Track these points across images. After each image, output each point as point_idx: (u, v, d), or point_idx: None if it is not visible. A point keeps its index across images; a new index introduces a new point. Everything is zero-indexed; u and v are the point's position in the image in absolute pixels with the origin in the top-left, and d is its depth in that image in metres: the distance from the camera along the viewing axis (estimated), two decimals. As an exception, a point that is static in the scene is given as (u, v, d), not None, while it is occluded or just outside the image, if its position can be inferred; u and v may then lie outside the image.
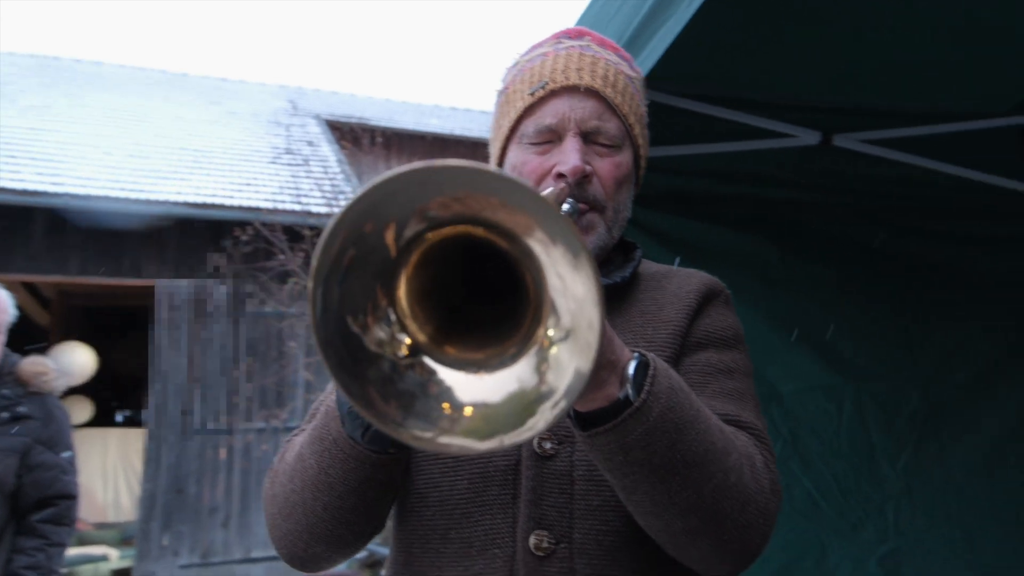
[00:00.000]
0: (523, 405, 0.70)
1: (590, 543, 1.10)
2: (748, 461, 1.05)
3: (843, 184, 2.90)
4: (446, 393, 0.74)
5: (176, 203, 9.80)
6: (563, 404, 0.68)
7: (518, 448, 1.14)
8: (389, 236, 0.71)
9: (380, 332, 0.75)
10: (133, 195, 9.59)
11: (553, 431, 1.14)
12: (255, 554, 9.77)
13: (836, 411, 2.55)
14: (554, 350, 0.70)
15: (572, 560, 1.09)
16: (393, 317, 0.77)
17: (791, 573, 2.36)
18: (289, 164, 11.75)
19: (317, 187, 10.74)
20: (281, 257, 9.47)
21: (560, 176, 1.17)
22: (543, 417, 0.68)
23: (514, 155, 1.24)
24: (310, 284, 0.71)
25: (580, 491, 1.12)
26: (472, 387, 0.74)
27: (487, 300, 0.84)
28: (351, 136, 11.60)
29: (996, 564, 2.60)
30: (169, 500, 9.50)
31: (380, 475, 1.04)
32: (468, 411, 0.73)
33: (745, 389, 1.22)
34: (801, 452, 2.45)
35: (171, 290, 9.96)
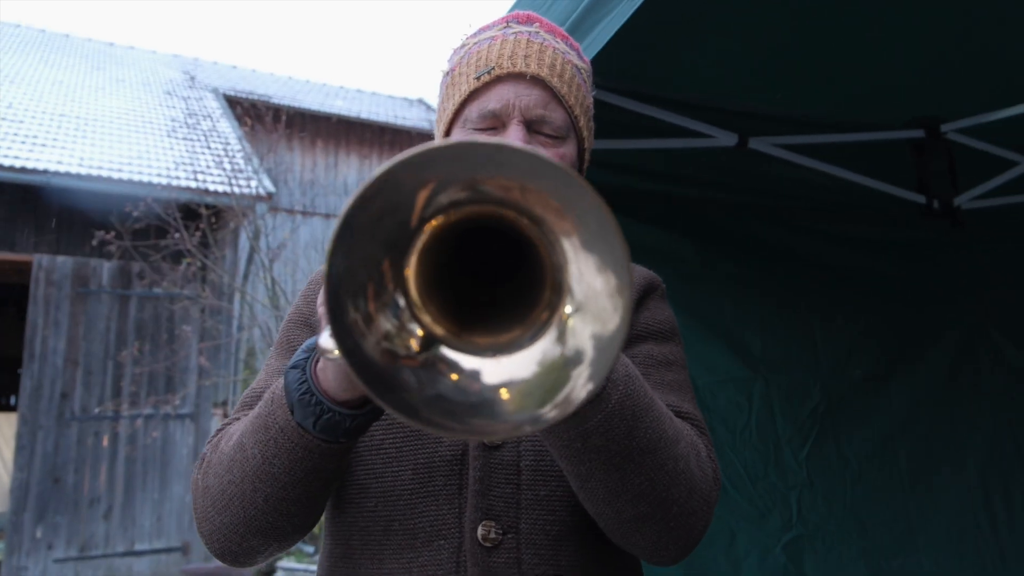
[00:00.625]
0: (554, 374, 0.69)
1: (537, 533, 1.10)
2: (694, 450, 1.08)
3: (757, 185, 3.02)
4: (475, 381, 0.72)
5: (56, 173, 9.14)
6: (602, 362, 0.66)
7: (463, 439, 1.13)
8: (423, 196, 0.67)
9: (386, 322, 0.71)
10: (7, 162, 8.88)
11: None
12: (139, 547, 9.30)
13: (746, 403, 2.66)
14: (572, 322, 0.69)
15: (519, 551, 1.09)
16: (402, 303, 0.73)
17: (702, 559, 2.45)
18: (185, 139, 11.18)
19: (216, 164, 10.27)
20: (176, 236, 9.01)
21: None
22: (579, 381, 0.67)
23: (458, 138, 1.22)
24: (329, 247, 0.66)
25: (527, 481, 1.12)
26: (496, 370, 0.72)
27: (490, 282, 0.82)
28: (253, 113, 11.13)
29: (885, 549, 2.80)
30: (44, 490, 8.90)
31: (328, 465, 0.99)
32: (503, 393, 0.71)
33: (683, 381, 1.26)
34: (713, 442, 2.55)
35: (49, 266, 9.30)
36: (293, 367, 0.96)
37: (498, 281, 0.82)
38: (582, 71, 1.26)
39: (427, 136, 15.88)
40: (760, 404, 2.68)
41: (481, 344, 0.74)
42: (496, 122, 1.18)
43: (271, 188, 10.53)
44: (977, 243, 3.25)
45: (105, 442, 9.29)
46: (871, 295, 3.11)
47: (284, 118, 11.60)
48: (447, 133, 1.25)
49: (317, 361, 0.95)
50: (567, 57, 1.23)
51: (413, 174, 0.64)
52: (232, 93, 13.82)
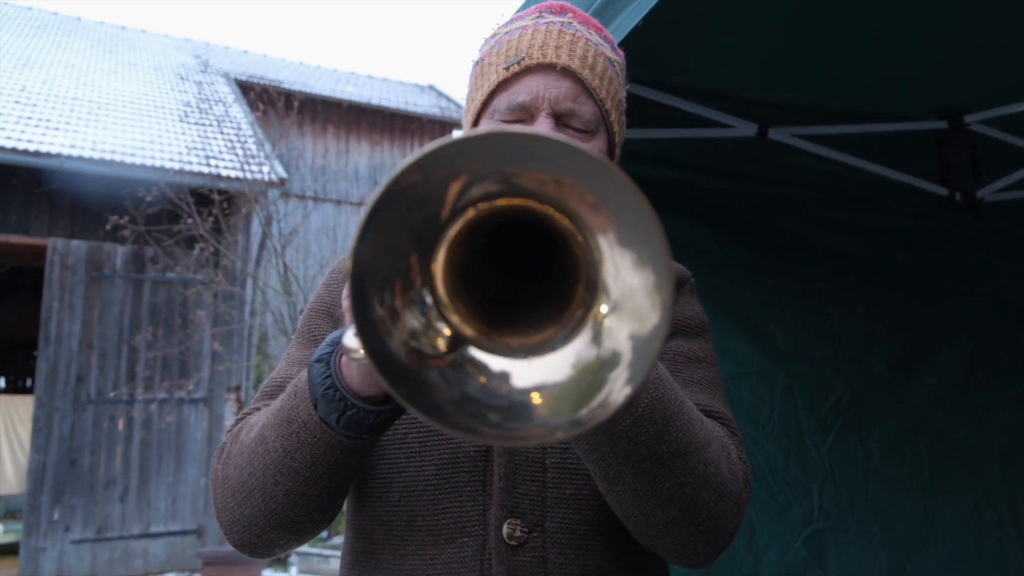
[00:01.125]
0: (590, 376, 0.66)
1: (563, 532, 1.08)
2: (724, 452, 1.06)
3: (777, 176, 2.99)
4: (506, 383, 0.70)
5: (68, 157, 9.17)
6: (642, 363, 0.63)
7: None
8: (454, 188, 0.65)
9: (413, 320, 0.68)
10: (20, 145, 8.90)
11: None
12: (154, 529, 9.40)
13: (768, 396, 2.65)
14: (608, 322, 0.66)
15: (545, 550, 1.07)
16: (429, 300, 0.70)
17: (723, 553, 2.44)
18: (198, 123, 11.19)
19: (228, 149, 10.28)
20: (188, 221, 9.04)
21: None
22: (616, 384, 0.64)
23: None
24: (356, 234, 0.63)
25: (553, 479, 1.10)
26: (528, 372, 0.69)
27: (520, 280, 0.79)
28: (265, 98, 11.12)
29: (906, 543, 2.79)
30: (60, 472, 9.00)
31: (351, 461, 0.98)
32: (535, 397, 0.68)
33: (713, 378, 1.23)
34: (736, 435, 2.54)
35: (64, 250, 9.35)
36: (318, 361, 0.95)
37: (529, 279, 0.80)
38: (615, 64, 1.22)
39: (438, 123, 15.83)
40: (783, 396, 2.66)
41: (512, 345, 0.72)
42: (525, 114, 1.15)
43: (283, 174, 10.54)
44: (999, 236, 3.22)
45: (120, 425, 9.37)
46: (892, 288, 3.09)
47: (296, 104, 11.59)
48: (475, 123, 1.22)
49: (341, 356, 0.94)
50: (600, 49, 1.19)
51: (446, 164, 0.62)
52: (244, 78, 13.81)
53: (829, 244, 3.06)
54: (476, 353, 0.71)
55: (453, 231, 0.69)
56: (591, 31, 1.22)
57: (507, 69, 1.15)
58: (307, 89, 14.03)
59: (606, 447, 0.93)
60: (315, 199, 13.01)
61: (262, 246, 10.70)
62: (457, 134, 0.62)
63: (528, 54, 1.15)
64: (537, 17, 1.21)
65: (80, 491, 9.07)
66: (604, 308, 0.66)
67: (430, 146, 0.60)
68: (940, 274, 3.16)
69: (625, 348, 0.65)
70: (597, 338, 0.67)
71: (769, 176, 3.01)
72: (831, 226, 3.09)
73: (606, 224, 0.64)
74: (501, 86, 1.16)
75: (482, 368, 0.70)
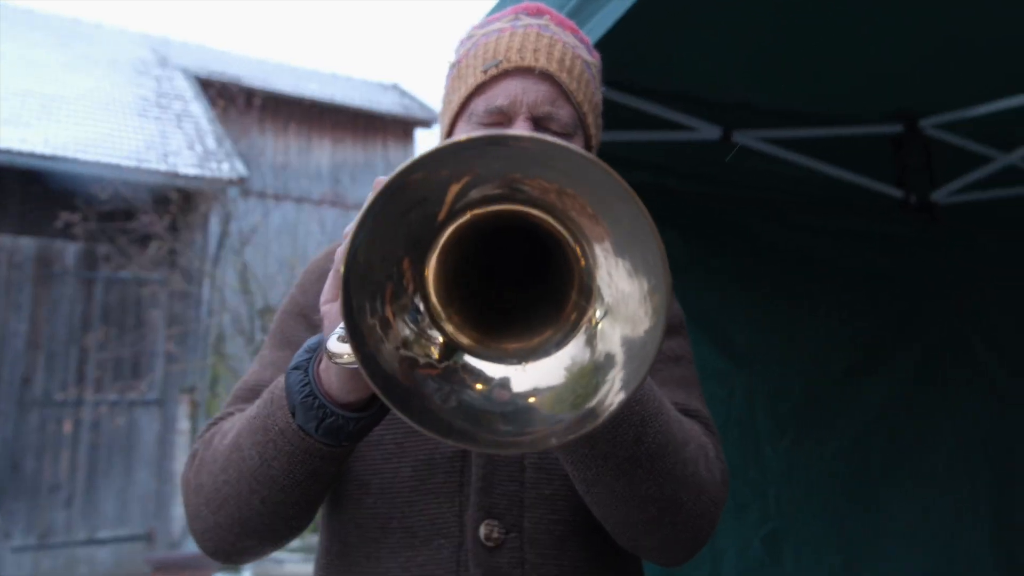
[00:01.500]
0: (584, 380, 0.66)
1: (540, 533, 1.08)
2: (702, 451, 1.06)
3: (741, 179, 3.02)
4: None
5: (20, 153, 8.89)
6: (636, 365, 0.63)
7: None
8: (454, 190, 0.63)
9: (405, 328, 0.66)
10: (-32, 140, 8.61)
11: None
12: (101, 535, 9.14)
13: (728, 398, 2.67)
14: (602, 326, 0.66)
15: (523, 550, 1.06)
16: (422, 307, 0.68)
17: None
18: (156, 119, 10.95)
19: (187, 146, 10.07)
20: (144, 218, 8.83)
21: None
22: (612, 387, 0.63)
23: (463, 131, 1.18)
24: (352, 227, 0.61)
25: (531, 480, 1.09)
26: (523, 377, 0.68)
27: (512, 285, 0.77)
28: (225, 95, 10.93)
29: (859, 541, 2.85)
30: (1, 477, 8.69)
31: (329, 468, 0.97)
32: (532, 400, 0.67)
33: (691, 376, 1.23)
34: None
35: (12, 247, 9.05)
36: (295, 368, 0.93)
37: (521, 283, 0.78)
38: (591, 66, 1.22)
39: (402, 122, 15.73)
40: (742, 398, 2.69)
41: (506, 350, 0.70)
42: (503, 117, 1.14)
43: (243, 172, 10.36)
44: (952, 238, 3.29)
45: (68, 428, 9.10)
46: (851, 289, 3.14)
47: (257, 101, 11.41)
48: (452, 126, 1.21)
49: (320, 362, 0.92)
50: (577, 51, 1.19)
51: (450, 164, 0.61)
52: (204, 74, 13.53)
53: (790, 247, 3.10)
54: (471, 360, 0.70)
55: (447, 235, 0.68)
56: (568, 33, 1.22)
57: (485, 72, 1.15)
58: (269, 86, 13.80)
59: (584, 448, 0.92)
60: (276, 197, 12.80)
61: (220, 245, 10.50)
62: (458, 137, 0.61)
63: (506, 57, 1.14)
64: (514, 19, 1.21)
65: (22, 496, 8.77)
66: (598, 312, 0.66)
67: (436, 144, 0.59)
68: (896, 276, 3.22)
69: (619, 352, 0.65)
70: (591, 342, 0.67)
71: (732, 179, 3.04)
72: (792, 228, 3.13)
73: (603, 233, 0.63)
74: (479, 89, 1.16)
75: (477, 375, 0.69)
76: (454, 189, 0.63)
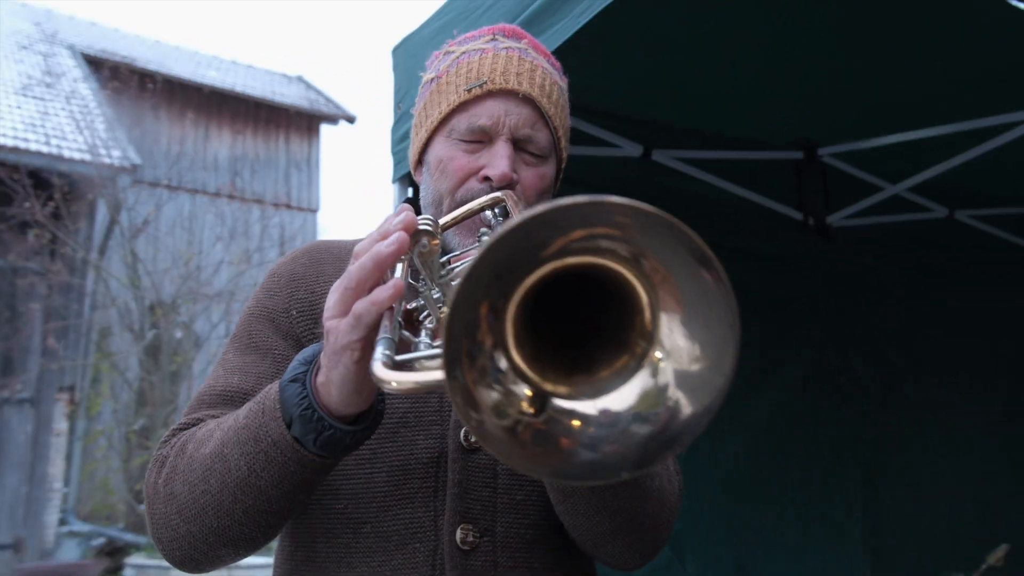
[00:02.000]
0: (652, 400, 0.68)
1: (512, 536, 1.12)
2: (665, 465, 1.13)
3: (658, 196, 3.14)
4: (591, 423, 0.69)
5: None
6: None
7: (441, 441, 1.13)
8: (551, 244, 0.64)
9: (491, 393, 0.66)
10: None
11: None
12: (-33, 543, 8.47)
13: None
14: (663, 365, 0.68)
15: (495, 553, 1.10)
16: (503, 363, 0.67)
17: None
18: (38, 98, 10.24)
19: (75, 129, 9.48)
20: (25, 205, 8.25)
21: (486, 179, 1.17)
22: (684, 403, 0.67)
23: (441, 148, 1.21)
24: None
25: (503, 485, 1.13)
26: (600, 406, 0.70)
27: (562, 325, 0.78)
28: (117, 76, 10.35)
29: (749, 542, 3.06)
30: None
31: (318, 479, 0.98)
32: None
33: None
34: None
35: None
36: (293, 380, 0.94)
37: (572, 322, 0.79)
38: (563, 91, 1.28)
39: (306, 115, 15.30)
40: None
41: (580, 387, 0.71)
42: (484, 136, 1.18)
43: (136, 159, 9.85)
44: (844, 259, 3.55)
45: (-70, 428, 8.39)
46: (749, 306, 3.30)
47: (154, 85, 10.86)
48: (429, 139, 1.24)
49: (316, 375, 0.93)
50: (553, 77, 1.25)
51: (553, 223, 0.61)
52: (93, 53, 12.77)
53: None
54: (561, 403, 0.70)
55: (527, 286, 0.68)
56: (543, 58, 1.27)
57: (468, 91, 1.18)
58: (165, 70, 13.15)
59: None
60: (170, 188, 12.21)
61: (108, 235, 9.93)
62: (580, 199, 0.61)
63: (490, 78, 1.18)
64: (492, 40, 1.25)
65: None
66: (659, 354, 0.68)
67: (551, 204, 0.59)
68: (792, 293, 3.44)
69: (682, 383, 0.68)
70: (655, 375, 0.69)
71: (651, 196, 3.16)
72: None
73: (676, 306, 0.66)
74: (461, 107, 1.19)
75: (572, 414, 0.69)
76: (553, 244, 0.64)
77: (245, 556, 1.05)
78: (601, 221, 0.63)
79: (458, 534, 1.09)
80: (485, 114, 1.18)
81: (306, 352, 0.97)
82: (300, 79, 17.13)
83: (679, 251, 0.63)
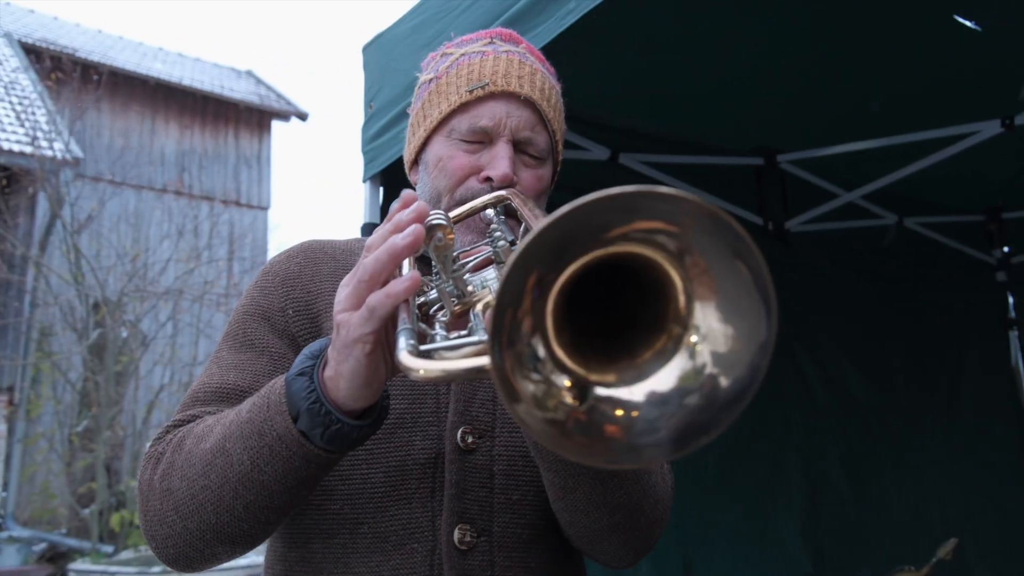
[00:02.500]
0: (693, 378, 0.69)
1: (508, 536, 1.13)
2: (658, 465, 1.16)
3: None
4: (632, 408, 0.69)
5: None
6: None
7: (438, 442, 1.14)
8: (617, 231, 0.63)
9: (529, 385, 0.65)
10: None
11: (473, 424, 1.15)
12: None
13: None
14: (700, 347, 0.69)
15: (492, 553, 1.11)
16: (541, 351, 0.67)
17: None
18: (-26, 88, 9.83)
19: (16, 120, 9.13)
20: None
21: (487, 180, 1.18)
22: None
23: (441, 148, 1.22)
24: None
25: (500, 485, 1.14)
26: (640, 391, 0.70)
27: (594, 311, 0.77)
28: (58, 67, 10.00)
29: (693, 537, 3.12)
30: None
31: (322, 474, 0.98)
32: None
33: None
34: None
35: None
36: (300, 374, 0.93)
37: (601, 309, 0.78)
38: (560, 96, 1.30)
39: (256, 110, 15.00)
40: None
41: (619, 373, 0.71)
42: (484, 137, 1.20)
43: (78, 153, 9.53)
44: (801, 263, 3.67)
45: None
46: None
47: (99, 77, 10.52)
48: (427, 139, 1.25)
49: (324, 368, 0.93)
50: (551, 82, 1.27)
51: (603, 212, 0.61)
52: (31, 41, 12.30)
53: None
54: (603, 392, 0.70)
55: (569, 274, 0.67)
56: (539, 63, 1.29)
57: (471, 92, 1.19)
58: (108, 61, 12.73)
59: None
60: (113, 183, 11.84)
61: (49, 231, 9.59)
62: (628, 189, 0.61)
63: (492, 80, 1.20)
64: (489, 43, 1.26)
65: None
66: (695, 337, 0.69)
67: (607, 192, 0.60)
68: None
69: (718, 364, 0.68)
70: (693, 358, 0.69)
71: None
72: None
73: (708, 296, 0.67)
74: (462, 107, 1.20)
75: (616, 403, 0.69)
76: (615, 229, 0.64)
77: (241, 554, 1.04)
78: (666, 216, 0.63)
79: (456, 534, 1.09)
80: (487, 115, 1.19)
81: (312, 347, 0.97)
82: (250, 74, 16.80)
83: (721, 246, 0.64)
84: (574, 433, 0.66)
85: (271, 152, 15.34)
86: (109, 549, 8.97)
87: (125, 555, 9.12)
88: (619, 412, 0.69)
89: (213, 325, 11.28)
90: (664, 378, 0.69)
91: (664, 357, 0.70)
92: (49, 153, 9.09)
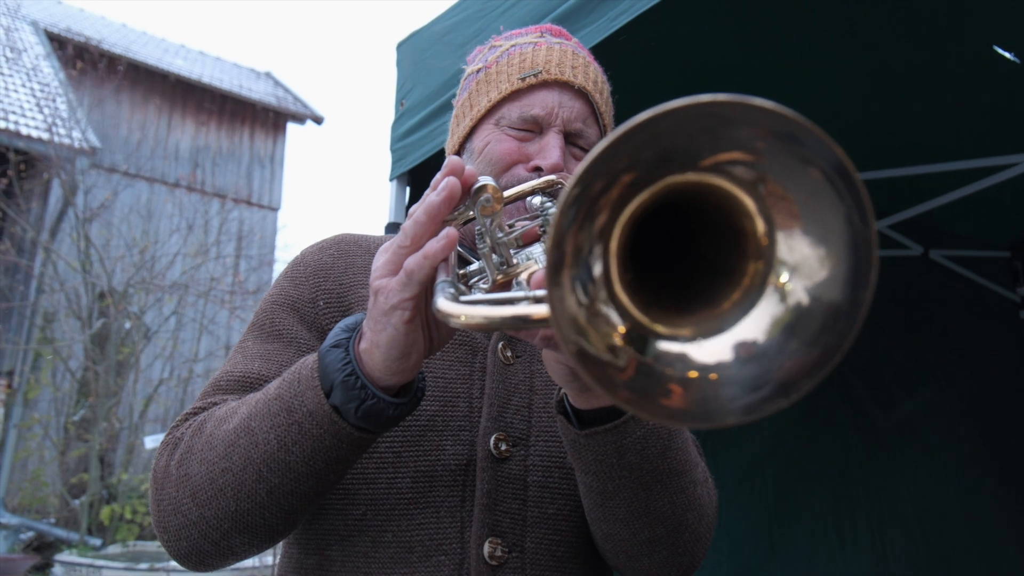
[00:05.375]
0: (787, 326, 0.60)
1: (542, 553, 1.06)
2: (704, 474, 1.08)
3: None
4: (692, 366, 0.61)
5: None
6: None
7: (470, 448, 1.07)
8: (708, 155, 0.55)
9: (583, 310, 0.58)
10: None
11: (507, 432, 1.09)
12: None
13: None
14: (790, 286, 0.60)
15: (524, 570, 1.04)
16: (603, 293, 0.59)
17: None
18: (-2, 71, 9.87)
19: (36, 106, 9.16)
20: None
21: (536, 169, 1.12)
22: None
23: (489, 135, 1.17)
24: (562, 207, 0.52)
25: (534, 498, 1.07)
26: (717, 348, 0.62)
27: (662, 256, 0.69)
28: (84, 57, 10.05)
29: (751, 563, 3.04)
30: None
31: (351, 457, 0.91)
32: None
33: None
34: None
35: None
36: (335, 346, 0.87)
37: (672, 253, 0.70)
38: (611, 92, 1.25)
39: (272, 111, 15.07)
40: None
41: (693, 326, 0.63)
42: (535, 126, 1.14)
43: (96, 142, 9.55)
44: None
45: None
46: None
47: (120, 69, 10.58)
48: (473, 128, 1.20)
49: (359, 341, 0.87)
50: (603, 76, 1.23)
51: (693, 122, 0.53)
52: (56, 31, 12.38)
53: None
54: (666, 346, 0.62)
55: (638, 203, 0.59)
56: (591, 59, 1.24)
57: (523, 80, 1.14)
58: (131, 54, 12.82)
59: (613, 458, 0.92)
60: (127, 174, 11.85)
61: (60, 217, 9.58)
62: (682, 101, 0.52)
63: (545, 69, 1.15)
64: (540, 36, 1.22)
65: None
66: (785, 276, 0.60)
67: (698, 99, 0.51)
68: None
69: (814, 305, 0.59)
70: (784, 300, 0.60)
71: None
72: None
73: (790, 223, 0.59)
74: (513, 95, 1.15)
75: (678, 359, 0.61)
76: (710, 156, 0.57)
77: (258, 550, 0.96)
78: (745, 144, 0.56)
79: (486, 548, 1.02)
80: (539, 104, 1.14)
81: (348, 320, 0.91)
82: (269, 75, 16.90)
83: (792, 159, 0.56)
84: (620, 387, 0.58)
85: (285, 153, 15.40)
86: (97, 542, 8.86)
87: (113, 549, 9.01)
88: (692, 374, 0.60)
89: (216, 322, 11.24)
90: (756, 324, 0.61)
91: (748, 302, 0.61)
92: (67, 141, 9.11)
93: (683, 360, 0.62)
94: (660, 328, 0.63)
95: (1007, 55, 2.70)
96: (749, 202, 0.60)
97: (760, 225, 0.61)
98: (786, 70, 2.70)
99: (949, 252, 3.82)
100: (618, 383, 0.59)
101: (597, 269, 0.60)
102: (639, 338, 0.62)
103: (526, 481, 1.08)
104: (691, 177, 0.59)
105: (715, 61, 2.68)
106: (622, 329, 0.61)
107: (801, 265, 0.59)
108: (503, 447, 1.07)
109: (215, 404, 1.02)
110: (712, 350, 0.62)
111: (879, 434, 3.53)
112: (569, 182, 0.53)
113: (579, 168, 0.53)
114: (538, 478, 1.08)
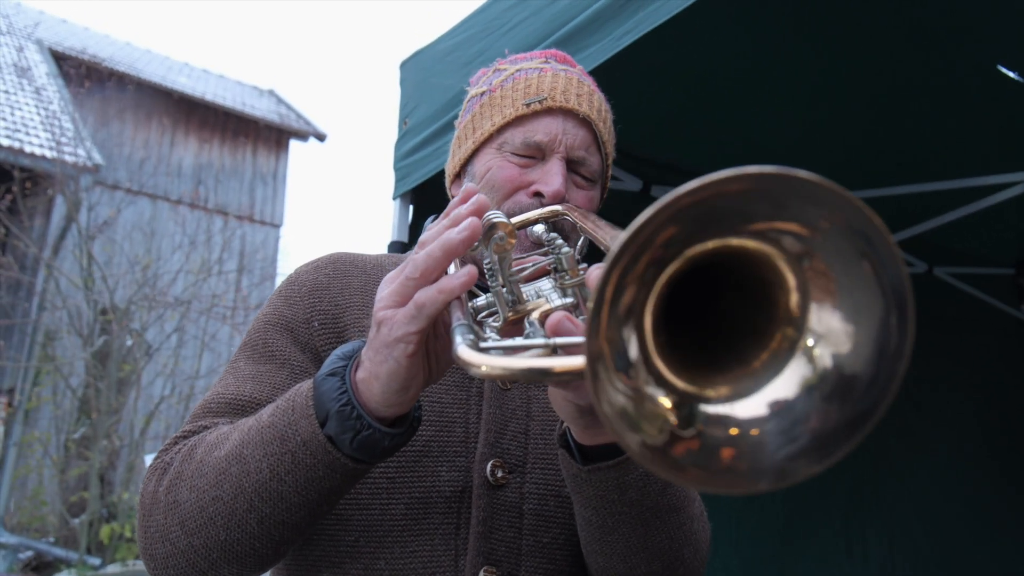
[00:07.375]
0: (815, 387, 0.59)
1: None
2: (700, 510, 1.09)
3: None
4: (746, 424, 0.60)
5: None
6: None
7: (465, 474, 1.05)
8: (758, 227, 0.54)
9: (619, 396, 0.55)
10: None
11: (504, 458, 1.07)
12: None
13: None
14: (817, 351, 0.59)
15: None
16: (643, 373, 0.57)
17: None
18: (4, 91, 9.92)
19: (41, 124, 9.20)
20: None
21: (537, 195, 1.12)
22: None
23: (491, 159, 1.16)
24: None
25: (529, 526, 1.06)
26: (756, 405, 0.60)
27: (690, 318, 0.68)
28: (90, 76, 10.11)
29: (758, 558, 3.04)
30: None
31: (345, 488, 0.89)
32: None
33: None
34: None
35: None
36: (331, 374, 0.86)
37: (698, 315, 0.69)
38: (613, 120, 1.26)
39: (275, 129, 15.14)
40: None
41: (727, 386, 0.61)
42: (538, 152, 1.14)
43: (99, 160, 9.58)
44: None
45: None
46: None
47: (128, 87, 10.63)
48: (475, 152, 1.19)
49: (356, 371, 0.85)
50: (607, 105, 1.23)
51: (756, 200, 0.53)
52: (61, 49, 12.46)
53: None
54: (708, 409, 0.60)
55: (671, 271, 0.57)
56: (595, 87, 1.24)
57: (527, 106, 1.15)
58: (135, 72, 12.89)
59: (614, 495, 0.91)
60: (130, 191, 11.88)
61: (63, 234, 9.60)
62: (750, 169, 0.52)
63: (550, 95, 1.15)
64: (544, 62, 1.22)
65: None
66: (811, 341, 0.59)
67: (749, 169, 0.51)
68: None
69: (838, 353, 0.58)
70: (812, 363, 0.59)
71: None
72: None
73: (825, 297, 0.58)
74: (517, 120, 1.15)
75: (727, 421, 0.59)
76: (759, 222, 0.56)
77: None
78: (808, 219, 0.55)
79: None
80: (542, 130, 1.14)
81: (345, 348, 0.90)
82: (272, 93, 16.98)
83: (850, 251, 0.55)
84: (687, 465, 0.56)
85: (287, 170, 15.45)
86: (96, 561, 8.79)
87: (112, 569, 8.93)
88: (733, 431, 0.59)
89: (218, 339, 11.22)
90: (786, 384, 0.60)
91: (778, 364, 0.60)
92: (71, 158, 9.14)
93: (726, 421, 0.60)
94: (704, 391, 0.61)
95: (1011, 74, 2.70)
96: (785, 268, 0.59)
97: (794, 296, 0.59)
98: (792, 88, 2.71)
99: (954, 269, 3.81)
100: (685, 464, 0.57)
101: (633, 352, 0.57)
102: (687, 409, 0.60)
103: (522, 509, 1.07)
104: (732, 241, 0.58)
105: (721, 80, 2.69)
106: (669, 405, 0.59)
107: (829, 335, 0.58)
108: (499, 474, 1.06)
109: (206, 427, 1.01)
110: (750, 408, 0.60)
111: (887, 452, 3.51)
112: (603, 276, 0.51)
113: (607, 263, 0.51)
114: (534, 506, 1.07)
